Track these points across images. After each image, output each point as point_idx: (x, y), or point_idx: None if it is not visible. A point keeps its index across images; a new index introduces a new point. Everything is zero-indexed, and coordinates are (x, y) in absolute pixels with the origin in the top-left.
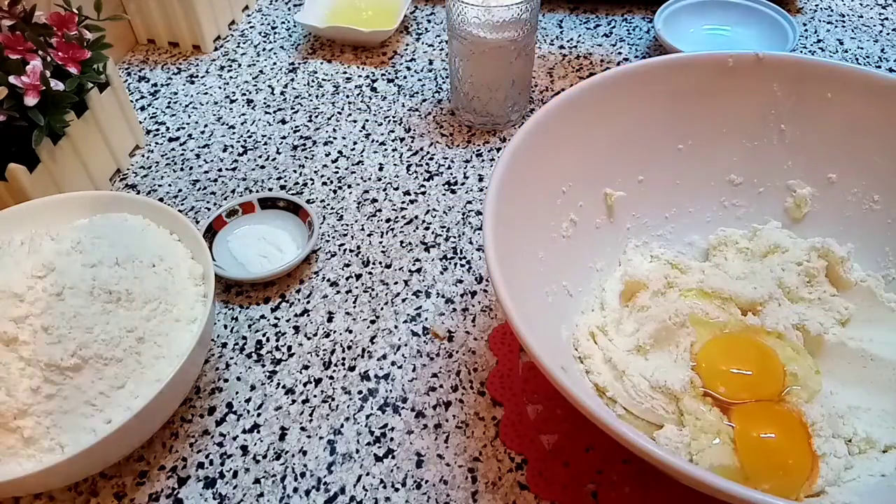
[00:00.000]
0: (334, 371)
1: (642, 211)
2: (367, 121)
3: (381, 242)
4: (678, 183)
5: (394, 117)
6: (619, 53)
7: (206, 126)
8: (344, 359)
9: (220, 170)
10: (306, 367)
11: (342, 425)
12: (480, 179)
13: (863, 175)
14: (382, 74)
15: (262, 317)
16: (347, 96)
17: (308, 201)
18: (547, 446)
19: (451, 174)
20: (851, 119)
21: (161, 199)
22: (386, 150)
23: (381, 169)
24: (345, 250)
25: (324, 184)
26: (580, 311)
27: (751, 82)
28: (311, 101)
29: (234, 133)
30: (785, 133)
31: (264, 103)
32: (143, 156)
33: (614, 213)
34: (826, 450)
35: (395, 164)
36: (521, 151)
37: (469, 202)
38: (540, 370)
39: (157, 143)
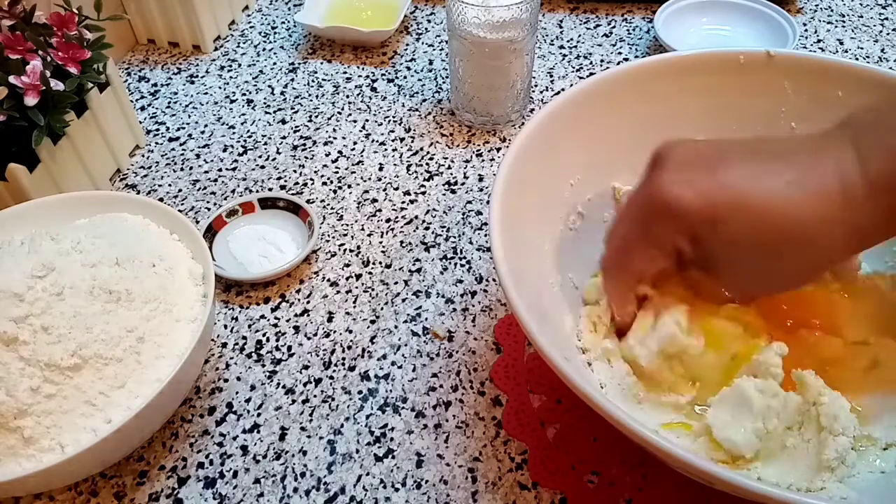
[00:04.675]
0: (334, 371)
1: None
2: (367, 121)
3: (381, 242)
4: None
5: (394, 117)
6: (619, 53)
7: (206, 126)
8: (344, 359)
9: (220, 170)
10: (306, 367)
11: (342, 425)
12: (480, 179)
13: None
14: (382, 74)
15: (262, 317)
16: (347, 96)
17: (308, 201)
18: (549, 436)
19: (451, 174)
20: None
21: (161, 199)
22: (386, 150)
23: (381, 169)
24: (345, 250)
25: (324, 184)
26: (585, 304)
27: (761, 80)
28: (311, 101)
29: (234, 133)
30: (795, 131)
31: (264, 103)
32: (143, 156)
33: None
34: (837, 428)
35: (395, 164)
36: (531, 143)
37: (469, 202)
38: (544, 361)
39: (157, 143)
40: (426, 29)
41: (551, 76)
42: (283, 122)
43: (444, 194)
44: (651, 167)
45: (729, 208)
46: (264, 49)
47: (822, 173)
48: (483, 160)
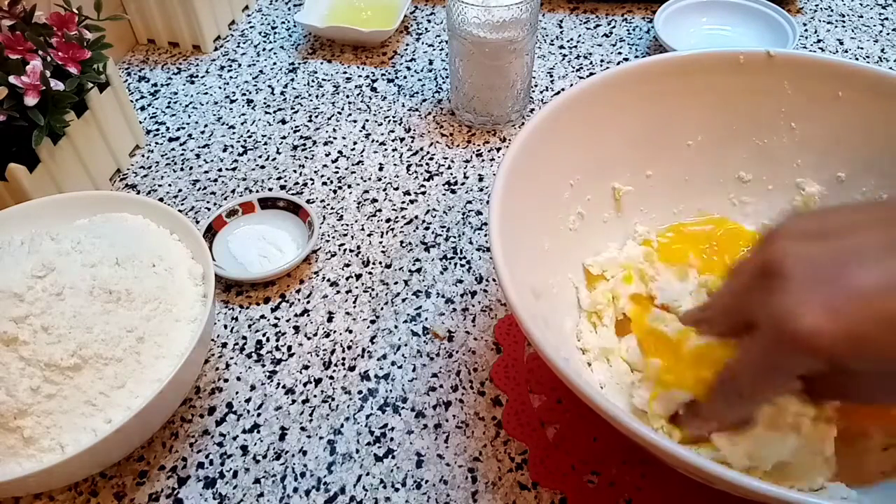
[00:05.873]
0: (334, 371)
1: (650, 206)
2: (367, 121)
3: (381, 242)
4: (687, 179)
5: (394, 117)
6: (619, 53)
7: (206, 126)
8: (344, 359)
9: (220, 170)
10: (306, 367)
11: (342, 425)
12: (480, 179)
13: (872, 174)
14: (382, 74)
15: (262, 317)
16: (347, 96)
17: (308, 201)
18: (549, 436)
19: (451, 174)
20: (861, 118)
21: (161, 199)
22: (386, 150)
23: (381, 169)
24: (345, 250)
25: (324, 184)
26: (584, 304)
27: (761, 80)
28: (311, 101)
29: (234, 133)
30: (795, 131)
31: (264, 103)
32: (143, 156)
33: (622, 207)
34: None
35: (395, 164)
36: (531, 143)
37: (469, 202)
38: (544, 361)
39: (157, 143)
40: (426, 29)
41: (551, 76)
42: (283, 122)
43: (444, 194)
44: (767, 277)
45: (873, 324)
46: (264, 49)
47: None
48: (483, 160)
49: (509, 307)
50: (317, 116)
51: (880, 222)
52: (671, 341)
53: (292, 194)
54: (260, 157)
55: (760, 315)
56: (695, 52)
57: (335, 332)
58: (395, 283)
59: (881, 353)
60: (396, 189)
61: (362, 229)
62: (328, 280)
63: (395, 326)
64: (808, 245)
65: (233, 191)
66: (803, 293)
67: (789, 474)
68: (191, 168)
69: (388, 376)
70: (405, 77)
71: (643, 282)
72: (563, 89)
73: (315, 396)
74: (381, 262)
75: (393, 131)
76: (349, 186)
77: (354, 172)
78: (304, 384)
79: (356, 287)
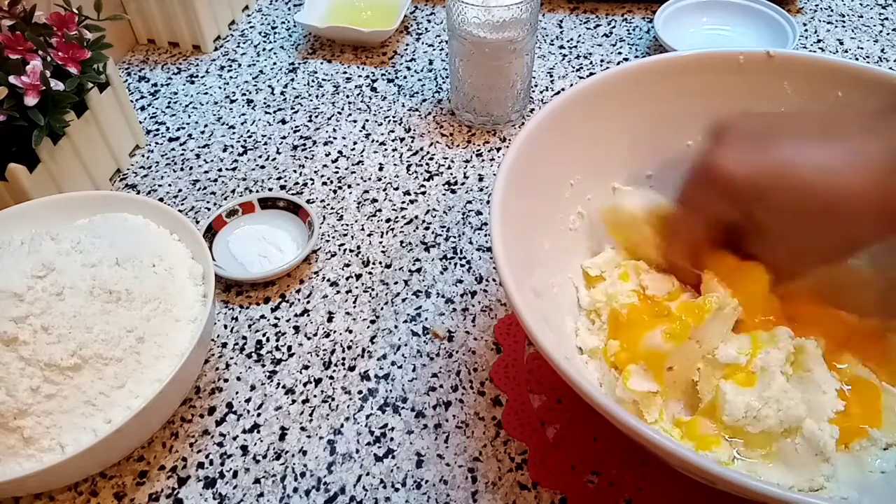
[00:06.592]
0: (334, 371)
1: None
2: (367, 121)
3: (381, 242)
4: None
5: (394, 117)
6: (619, 53)
7: (206, 126)
8: (344, 359)
9: (220, 170)
10: (306, 367)
11: (342, 425)
12: (480, 179)
13: None
14: (382, 74)
15: (262, 317)
16: (347, 96)
17: (308, 201)
18: (549, 436)
19: (451, 174)
20: (861, 118)
21: (161, 199)
22: (386, 150)
23: (381, 169)
24: (345, 250)
25: (324, 184)
26: (584, 303)
27: (761, 80)
28: (311, 101)
29: (234, 133)
30: None
31: (264, 103)
32: (143, 156)
33: None
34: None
35: (395, 164)
36: (531, 143)
37: (469, 202)
38: (546, 361)
39: (157, 143)
40: (426, 29)
41: (551, 76)
42: (283, 122)
43: (444, 194)
44: (713, 139)
45: (773, 178)
46: (264, 49)
47: (869, 149)
48: (483, 160)
49: (511, 307)
50: (317, 116)
51: (815, 121)
52: (621, 317)
53: (292, 194)
54: (260, 157)
55: (700, 165)
56: (695, 52)
57: (335, 332)
58: (395, 283)
59: (774, 203)
60: (396, 189)
61: (362, 229)
62: (328, 280)
63: (395, 326)
64: (748, 124)
65: (233, 191)
66: (732, 150)
67: (790, 472)
68: (191, 168)
69: (388, 376)
70: (405, 77)
71: (638, 276)
72: (563, 89)
73: (315, 396)
74: (381, 262)
75: (393, 131)
76: (349, 186)
77: (354, 172)
78: (304, 384)
79: (356, 287)
